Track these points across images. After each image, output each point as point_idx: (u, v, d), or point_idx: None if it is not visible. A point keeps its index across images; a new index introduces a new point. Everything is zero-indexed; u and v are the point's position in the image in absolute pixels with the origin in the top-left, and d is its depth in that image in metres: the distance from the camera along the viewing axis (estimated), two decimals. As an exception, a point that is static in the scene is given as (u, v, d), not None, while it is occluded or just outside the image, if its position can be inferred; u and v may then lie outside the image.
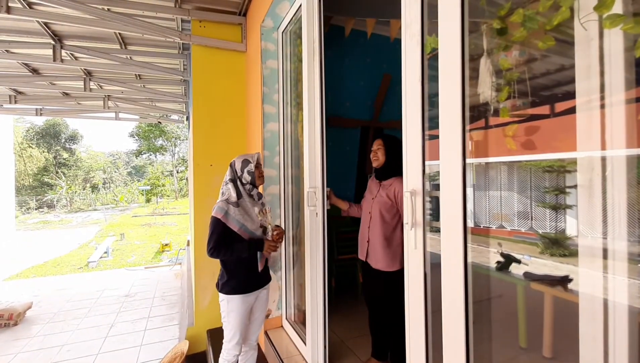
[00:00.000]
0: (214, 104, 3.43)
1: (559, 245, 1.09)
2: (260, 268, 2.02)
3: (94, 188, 29.51)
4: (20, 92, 5.68)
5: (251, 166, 2.02)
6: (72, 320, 4.59)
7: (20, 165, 26.47)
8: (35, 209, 24.28)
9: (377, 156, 2.20)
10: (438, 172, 1.15)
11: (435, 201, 1.21)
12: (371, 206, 2.20)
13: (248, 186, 2.04)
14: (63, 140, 30.72)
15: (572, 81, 0.83)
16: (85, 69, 4.76)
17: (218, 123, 3.45)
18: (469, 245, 1.06)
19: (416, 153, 1.25)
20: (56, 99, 5.96)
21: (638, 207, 0.74)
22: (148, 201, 27.22)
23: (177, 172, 31.44)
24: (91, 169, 31.20)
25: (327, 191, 2.17)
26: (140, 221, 17.86)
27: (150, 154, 33.23)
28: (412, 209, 1.24)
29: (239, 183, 2.02)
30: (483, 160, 1.24)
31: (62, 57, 3.81)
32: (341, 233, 3.76)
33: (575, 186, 0.94)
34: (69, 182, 27.52)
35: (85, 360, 3.50)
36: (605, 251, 0.79)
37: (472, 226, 1.11)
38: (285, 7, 2.66)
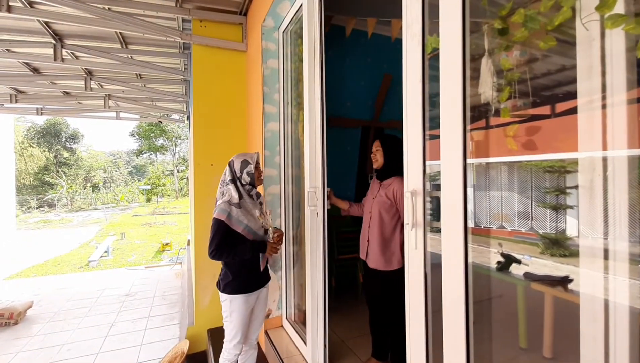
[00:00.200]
0: (214, 104, 3.43)
1: (559, 246, 1.09)
2: (261, 268, 2.03)
3: (95, 187, 29.53)
4: (21, 92, 5.68)
5: (251, 168, 2.01)
6: (72, 319, 4.59)
7: (21, 164, 26.49)
8: (36, 208, 24.31)
9: (377, 157, 2.23)
10: (438, 172, 1.15)
11: (436, 201, 1.21)
12: (371, 206, 2.21)
13: (247, 187, 2.03)
14: (64, 139, 30.74)
15: (573, 81, 0.83)
16: (86, 69, 4.77)
17: (219, 123, 3.45)
18: (469, 245, 1.06)
19: (417, 153, 1.25)
20: (57, 98, 5.96)
21: (639, 207, 0.74)
22: (148, 200, 27.25)
23: (178, 171, 31.47)
24: (92, 169, 31.22)
25: (327, 191, 2.17)
26: (141, 220, 17.88)
27: (151, 154, 33.27)
28: (413, 210, 1.24)
29: (238, 183, 2.01)
30: (484, 160, 1.24)
31: (63, 57, 3.81)
32: (341, 232, 3.76)
33: (575, 187, 0.94)
34: (69, 181, 27.54)
35: (85, 359, 3.51)
36: (606, 252, 0.79)
37: (473, 226, 1.11)
38: (286, 6, 2.66)
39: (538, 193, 1.25)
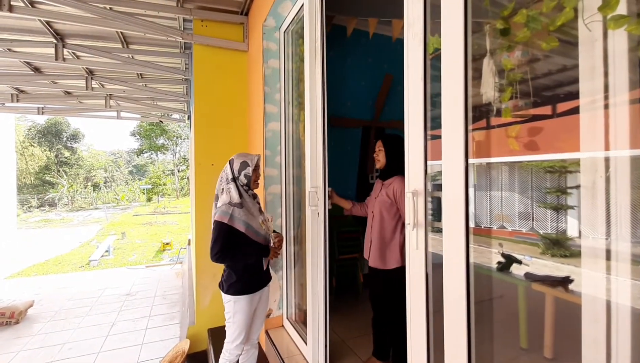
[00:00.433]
0: (215, 104, 3.44)
1: (560, 246, 1.09)
2: (264, 268, 2.04)
3: (96, 186, 29.57)
4: (22, 91, 5.69)
5: (249, 170, 2.00)
6: (73, 319, 4.60)
7: (22, 164, 26.52)
8: (37, 207, 24.34)
9: (379, 158, 2.24)
10: (440, 172, 1.15)
11: (437, 202, 1.21)
12: (374, 206, 2.23)
13: (245, 187, 2.03)
14: (65, 139, 30.79)
15: (575, 81, 0.83)
16: (87, 68, 4.77)
17: (219, 122, 3.45)
18: (471, 245, 1.06)
19: (418, 153, 1.25)
20: (58, 97, 5.97)
21: (641, 208, 0.74)
22: (149, 200, 27.28)
23: (178, 171, 31.50)
24: (92, 168, 31.27)
25: (328, 191, 2.17)
26: (142, 220, 17.90)
27: (152, 153, 33.33)
28: (414, 210, 1.24)
29: (237, 183, 2.01)
30: (485, 160, 1.24)
31: (64, 56, 3.82)
32: (342, 232, 3.76)
33: (577, 187, 0.94)
34: (70, 181, 27.58)
35: (86, 358, 3.51)
36: (608, 252, 0.79)
37: (473, 226, 1.10)
38: (287, 6, 2.66)
39: (539, 193, 1.25)
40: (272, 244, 2.06)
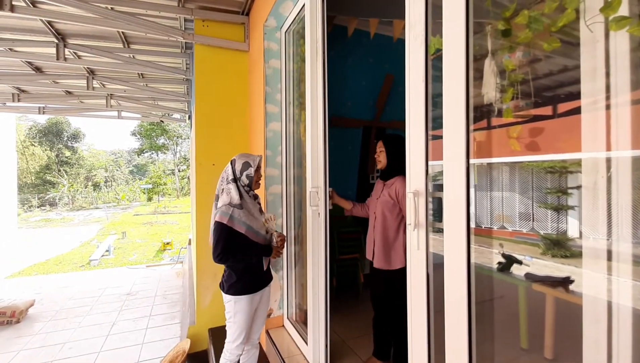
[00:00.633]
0: (216, 104, 3.44)
1: (560, 246, 1.10)
2: (265, 268, 2.03)
3: (96, 186, 29.60)
4: (23, 91, 5.70)
5: (251, 171, 2.00)
6: (74, 318, 4.61)
7: (23, 163, 26.55)
8: (38, 207, 24.37)
9: (380, 158, 2.24)
10: (440, 172, 1.15)
11: (438, 202, 1.21)
12: (375, 207, 2.23)
13: (246, 188, 2.03)
14: (65, 138, 30.82)
15: (577, 81, 0.83)
16: (88, 68, 4.78)
17: (220, 122, 3.45)
18: (472, 245, 1.06)
19: (419, 154, 1.25)
20: (59, 97, 5.98)
21: (642, 209, 0.74)
22: (149, 199, 27.29)
23: (179, 171, 31.52)
24: (93, 168, 31.29)
25: (329, 191, 2.17)
26: (142, 219, 17.91)
27: (152, 153, 33.36)
28: (415, 210, 1.24)
29: (239, 183, 2.01)
30: (486, 160, 1.24)
31: (66, 56, 3.82)
32: (342, 233, 3.76)
33: (577, 187, 0.94)
34: (71, 180, 27.61)
35: (87, 357, 3.52)
36: (609, 253, 0.79)
37: (474, 226, 1.11)
38: (288, 6, 2.66)
39: (539, 194, 1.25)
40: (274, 243, 2.06)
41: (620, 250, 0.77)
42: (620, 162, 0.76)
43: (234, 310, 1.95)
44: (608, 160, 0.78)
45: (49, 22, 3.43)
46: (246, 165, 2.01)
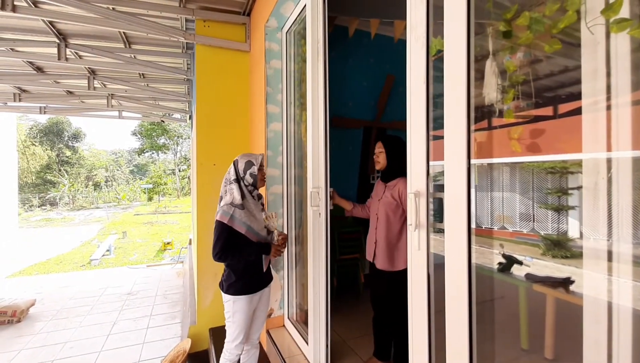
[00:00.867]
0: (217, 104, 3.45)
1: (561, 247, 1.10)
2: (264, 269, 2.03)
3: (97, 186, 29.63)
4: (24, 91, 5.71)
5: (254, 169, 2.01)
6: (74, 318, 4.61)
7: (24, 163, 26.57)
8: (38, 206, 24.40)
9: (379, 159, 2.23)
10: (441, 173, 1.16)
11: (438, 202, 1.22)
12: (377, 208, 2.22)
13: (250, 188, 2.04)
14: (66, 138, 30.84)
15: (577, 82, 0.84)
16: (89, 68, 4.78)
17: (221, 123, 3.46)
18: (472, 246, 1.06)
19: (420, 155, 1.26)
20: (60, 97, 5.99)
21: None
22: (150, 199, 27.31)
23: (179, 171, 31.53)
24: (94, 167, 31.32)
25: (330, 191, 2.18)
26: (142, 219, 17.92)
27: (153, 153, 33.37)
28: (416, 211, 1.25)
29: (242, 183, 2.02)
30: (487, 161, 1.24)
31: (67, 56, 3.83)
32: (343, 233, 3.76)
33: (578, 188, 0.94)
34: (71, 180, 27.64)
35: (88, 357, 3.53)
36: (609, 254, 0.79)
37: (475, 227, 1.11)
38: (289, 7, 2.66)
39: (540, 194, 1.25)
40: (275, 241, 2.06)
41: (621, 251, 0.77)
42: (620, 163, 0.77)
43: (233, 310, 1.96)
44: (609, 161, 0.79)
45: (51, 22, 3.44)
46: (249, 164, 2.01)
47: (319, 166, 2.21)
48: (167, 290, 5.84)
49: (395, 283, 2.11)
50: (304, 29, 2.40)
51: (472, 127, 1.06)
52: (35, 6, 3.04)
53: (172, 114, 8.08)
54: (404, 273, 2.03)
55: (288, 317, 2.92)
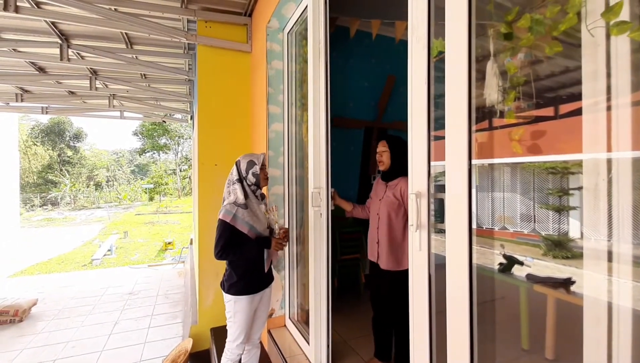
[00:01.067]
0: (219, 104, 3.45)
1: (561, 247, 1.10)
2: (266, 269, 2.04)
3: (98, 186, 29.70)
4: (26, 91, 5.73)
5: (256, 168, 2.02)
6: (76, 317, 4.63)
7: (25, 163, 26.63)
8: (40, 206, 24.45)
9: (383, 159, 2.22)
10: (441, 173, 1.16)
11: (439, 203, 1.22)
12: (379, 208, 2.21)
13: (253, 187, 2.05)
14: (67, 138, 30.91)
15: (578, 83, 0.84)
16: (91, 68, 4.80)
17: (223, 123, 3.47)
18: (473, 246, 1.07)
19: (422, 155, 1.26)
20: (62, 97, 6.01)
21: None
22: (151, 199, 27.34)
23: (180, 171, 31.57)
24: (95, 167, 31.39)
25: (331, 192, 2.18)
26: (144, 219, 17.95)
27: (154, 153, 33.40)
28: (417, 211, 1.25)
29: (244, 183, 2.03)
30: (488, 161, 1.24)
31: (69, 57, 3.84)
32: (344, 233, 3.77)
33: (578, 189, 0.95)
34: (72, 180, 27.71)
35: (89, 356, 3.54)
36: (609, 254, 0.80)
37: (475, 227, 1.11)
38: (291, 8, 2.67)
39: (541, 195, 1.26)
40: (276, 235, 2.07)
41: (621, 251, 0.78)
42: (621, 163, 0.77)
43: (234, 310, 1.96)
44: (609, 161, 0.79)
45: (53, 23, 3.45)
46: (251, 163, 2.03)
47: (320, 167, 2.21)
48: (169, 289, 5.85)
49: (398, 283, 2.11)
50: (306, 29, 2.41)
51: (474, 127, 1.06)
52: (38, 7, 3.05)
53: (174, 115, 8.09)
54: (407, 273, 2.05)
55: (289, 317, 2.93)
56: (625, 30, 0.72)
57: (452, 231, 1.11)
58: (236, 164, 2.06)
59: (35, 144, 28.38)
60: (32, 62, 4.48)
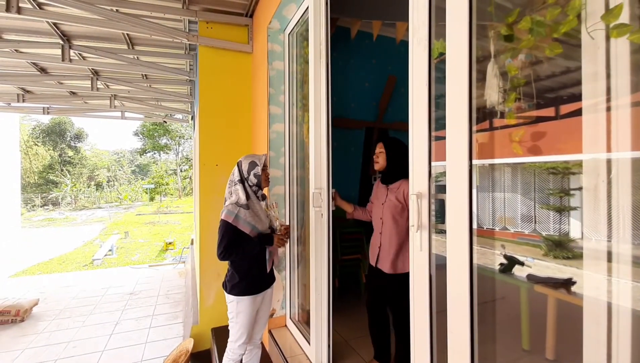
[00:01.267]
0: (220, 105, 3.46)
1: (562, 248, 1.10)
2: (268, 270, 2.05)
3: (99, 186, 29.71)
4: (28, 91, 5.75)
5: (258, 169, 2.03)
6: (77, 317, 4.64)
7: (26, 163, 26.67)
8: (41, 206, 24.49)
9: (378, 159, 2.22)
10: (442, 173, 1.16)
11: (440, 203, 1.22)
12: (382, 212, 2.19)
13: (254, 188, 2.06)
14: (68, 138, 30.95)
15: (578, 84, 0.85)
16: (92, 69, 4.81)
17: (224, 123, 3.47)
18: (474, 246, 1.07)
19: (422, 156, 1.27)
20: (63, 98, 6.02)
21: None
22: (152, 199, 27.37)
23: (181, 171, 31.59)
24: (96, 168, 31.41)
25: (332, 192, 2.18)
26: (144, 219, 17.97)
27: (154, 153, 33.41)
28: (418, 212, 1.26)
29: (246, 184, 2.03)
30: (488, 161, 1.25)
31: (71, 57, 3.85)
32: (345, 233, 3.77)
33: (579, 189, 0.95)
34: (73, 180, 27.74)
35: (90, 356, 3.55)
36: (610, 254, 0.80)
37: (476, 228, 1.12)
38: (292, 9, 2.68)
39: (541, 195, 1.26)
40: (277, 231, 2.07)
41: (621, 252, 0.78)
42: (621, 163, 0.77)
43: (236, 311, 1.97)
44: (609, 161, 0.79)
45: (55, 24, 3.46)
46: (253, 164, 2.03)
47: (321, 167, 2.22)
48: (169, 289, 5.86)
49: (401, 285, 2.10)
50: (307, 30, 2.42)
51: (474, 128, 1.07)
52: (40, 8, 3.06)
53: (174, 115, 8.11)
54: (407, 275, 2.04)
55: (290, 317, 2.93)
56: (625, 33, 0.72)
57: (453, 231, 1.11)
58: (238, 165, 2.06)
59: (36, 145, 28.43)
60: (34, 63, 4.50)
